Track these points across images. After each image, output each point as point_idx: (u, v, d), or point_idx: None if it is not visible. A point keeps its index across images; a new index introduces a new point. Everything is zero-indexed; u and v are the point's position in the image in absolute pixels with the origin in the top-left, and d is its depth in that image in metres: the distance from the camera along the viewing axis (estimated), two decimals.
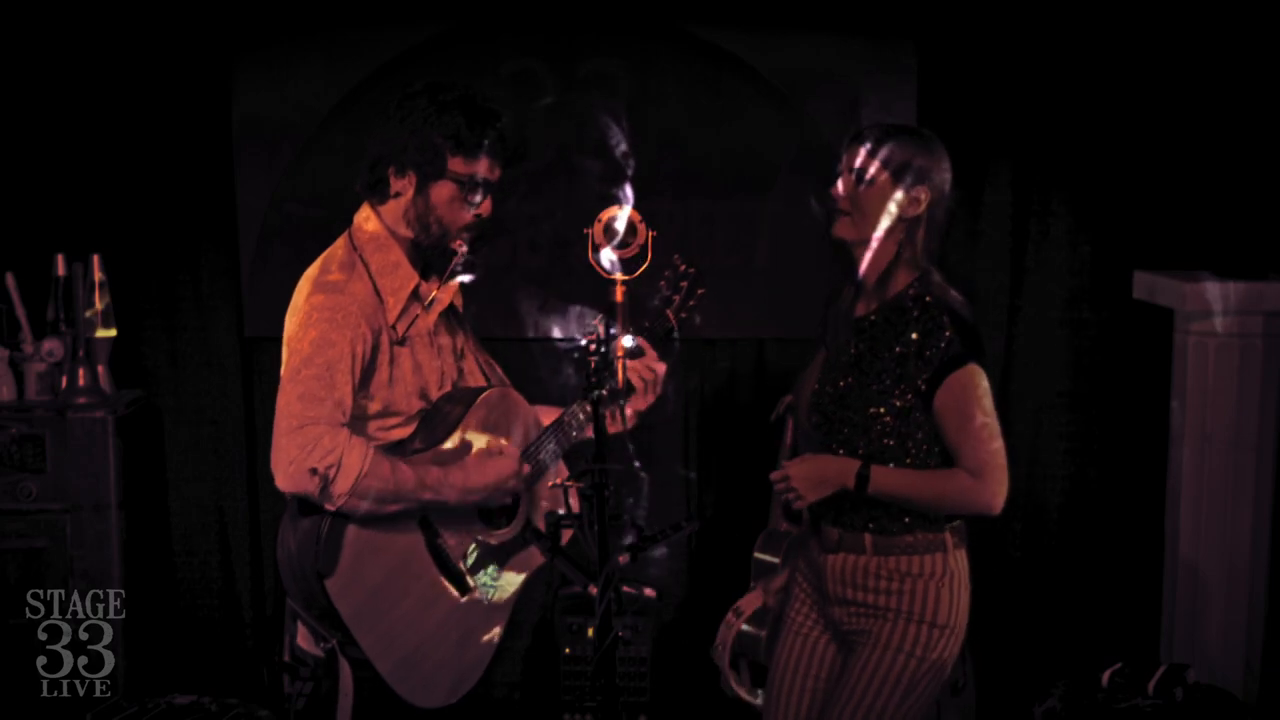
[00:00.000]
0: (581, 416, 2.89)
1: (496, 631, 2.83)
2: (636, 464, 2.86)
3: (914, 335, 2.69)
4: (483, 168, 2.72)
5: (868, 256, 2.73)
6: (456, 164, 2.69)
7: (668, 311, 3.01)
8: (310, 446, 2.54)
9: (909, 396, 2.69)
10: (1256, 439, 3.75)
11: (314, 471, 2.52)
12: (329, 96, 4.09)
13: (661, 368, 2.93)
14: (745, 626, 3.16)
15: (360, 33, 4.08)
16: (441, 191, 2.71)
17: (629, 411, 2.90)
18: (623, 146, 3.68)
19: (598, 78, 4.05)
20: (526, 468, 2.79)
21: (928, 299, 2.70)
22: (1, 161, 4.04)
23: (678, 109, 4.07)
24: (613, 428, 2.84)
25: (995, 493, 2.69)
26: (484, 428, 2.79)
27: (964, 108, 3.99)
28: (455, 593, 2.75)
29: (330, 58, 4.09)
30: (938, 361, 2.66)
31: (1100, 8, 3.95)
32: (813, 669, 2.90)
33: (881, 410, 2.70)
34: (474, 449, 2.76)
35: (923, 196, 2.70)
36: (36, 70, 4.01)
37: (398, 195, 2.73)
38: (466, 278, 2.80)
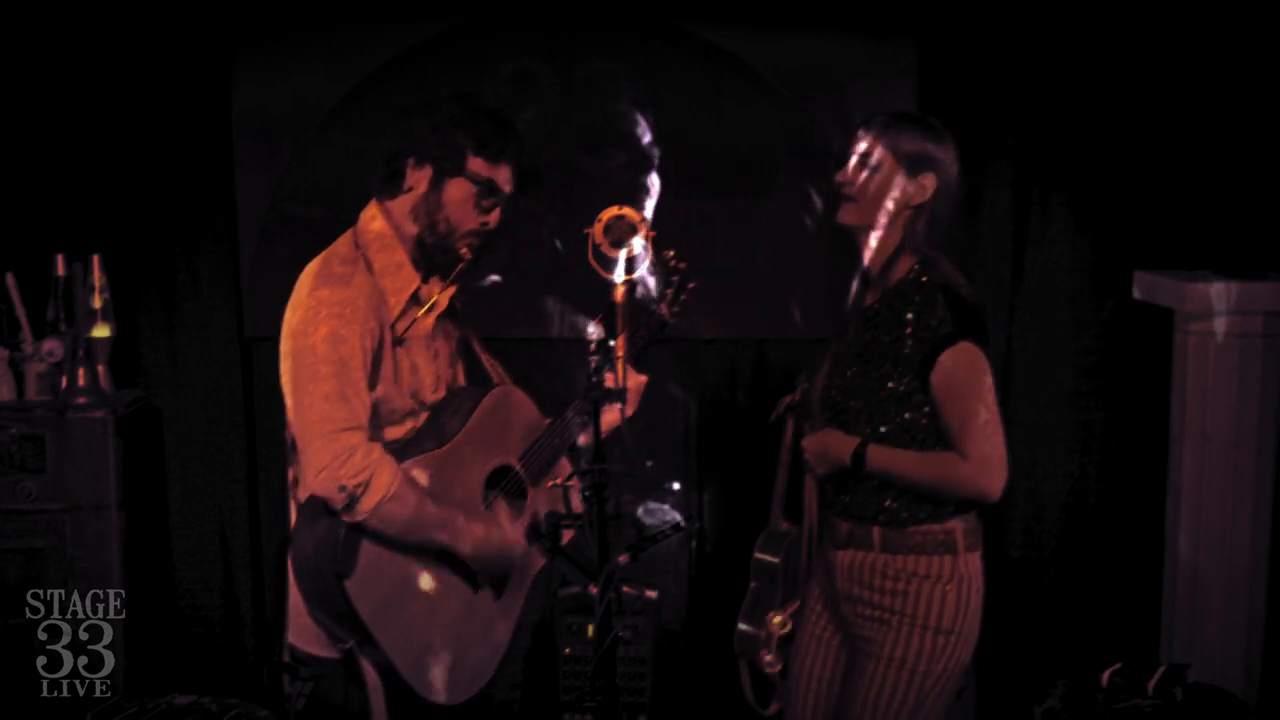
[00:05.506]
0: (578, 417, 2.88)
1: (508, 626, 2.83)
2: (649, 462, 2.83)
3: (909, 315, 2.68)
4: (501, 175, 2.72)
5: (872, 244, 2.73)
6: (476, 165, 2.69)
7: (661, 306, 3.01)
8: (344, 458, 2.52)
9: (908, 379, 2.67)
10: (1256, 439, 3.74)
11: (342, 488, 2.51)
12: (330, 95, 4.08)
13: (642, 379, 2.94)
14: (743, 626, 3.15)
15: (361, 30, 4.08)
16: (455, 190, 2.70)
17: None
18: (637, 142, 3.66)
19: (598, 77, 4.04)
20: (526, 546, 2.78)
21: (924, 279, 2.69)
22: (1, 161, 4.04)
23: (677, 108, 4.07)
24: (583, 437, 2.85)
25: (992, 477, 2.64)
26: (489, 426, 2.79)
27: (964, 106, 3.98)
28: (468, 587, 2.75)
29: (331, 56, 4.08)
30: (931, 340, 2.64)
31: (1101, 7, 3.95)
32: (826, 673, 2.89)
33: (884, 396, 2.69)
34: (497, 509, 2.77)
35: (928, 185, 2.69)
36: (36, 70, 4.01)
37: (410, 190, 2.71)
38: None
